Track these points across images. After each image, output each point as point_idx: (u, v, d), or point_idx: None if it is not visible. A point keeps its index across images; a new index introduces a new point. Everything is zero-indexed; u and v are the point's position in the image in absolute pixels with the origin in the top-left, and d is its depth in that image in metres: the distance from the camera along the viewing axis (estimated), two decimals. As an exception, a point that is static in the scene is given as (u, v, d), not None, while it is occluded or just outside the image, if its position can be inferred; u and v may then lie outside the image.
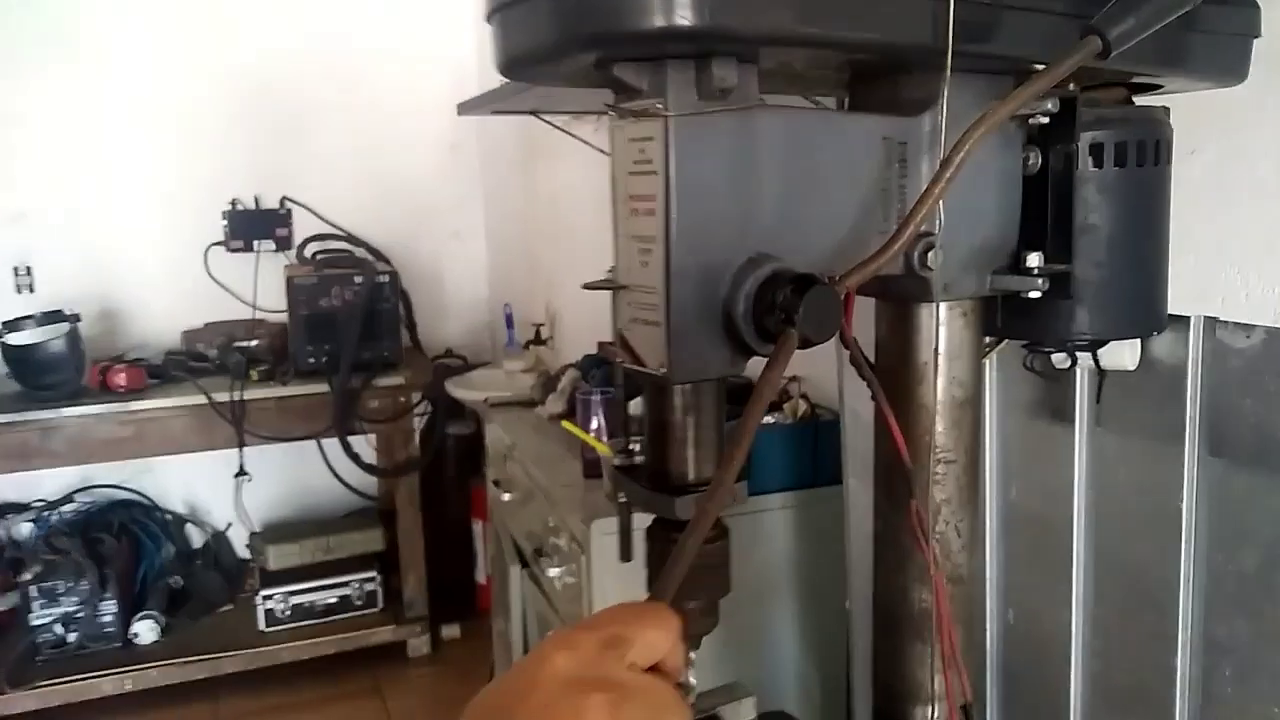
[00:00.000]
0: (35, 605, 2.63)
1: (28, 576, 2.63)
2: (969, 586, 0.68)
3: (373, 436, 2.91)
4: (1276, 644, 0.76)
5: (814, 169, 0.58)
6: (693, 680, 0.56)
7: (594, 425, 1.46)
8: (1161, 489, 0.81)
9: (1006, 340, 0.72)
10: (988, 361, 0.80)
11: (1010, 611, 0.97)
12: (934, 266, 0.61)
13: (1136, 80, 0.69)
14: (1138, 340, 0.76)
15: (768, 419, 1.26)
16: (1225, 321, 0.77)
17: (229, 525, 3.22)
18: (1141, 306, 0.67)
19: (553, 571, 1.39)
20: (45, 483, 3.04)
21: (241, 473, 2.77)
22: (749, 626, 1.22)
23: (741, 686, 0.65)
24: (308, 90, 3.17)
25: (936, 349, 0.63)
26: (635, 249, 0.56)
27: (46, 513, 3.01)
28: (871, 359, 0.68)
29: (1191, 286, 0.76)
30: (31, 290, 2.98)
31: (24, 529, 2.99)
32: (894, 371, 0.67)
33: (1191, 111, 0.69)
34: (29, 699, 2.51)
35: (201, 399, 2.58)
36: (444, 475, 3.00)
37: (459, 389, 2.75)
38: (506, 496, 1.72)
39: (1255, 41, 0.68)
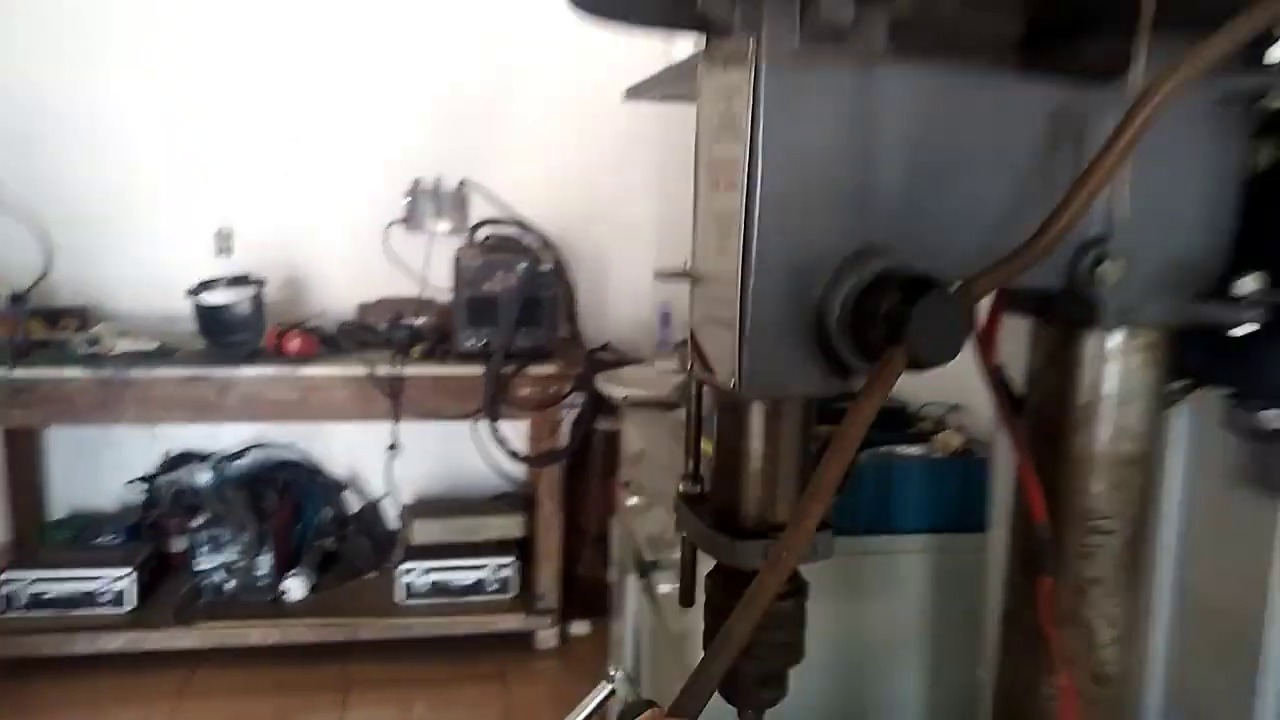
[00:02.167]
0: (201, 551, 2.80)
1: (198, 523, 2.80)
2: (1118, 689, 0.54)
3: (523, 423, 2.92)
4: None
5: (955, 143, 0.46)
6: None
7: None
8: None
9: (1202, 387, 0.57)
10: (1174, 412, 0.64)
11: None
12: (1106, 283, 0.47)
13: None
14: None
15: (912, 449, 1.12)
16: None
17: (385, 495, 3.33)
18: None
19: (663, 588, 1.30)
20: (224, 436, 3.24)
21: (393, 446, 2.84)
22: (867, 683, 1.08)
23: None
24: (489, 79, 3.23)
25: (1101, 389, 0.50)
26: (714, 231, 0.46)
27: (221, 465, 3.20)
28: (1021, 393, 0.55)
29: None
30: (230, 253, 3.18)
31: (203, 477, 3.20)
32: (1046, 412, 0.53)
33: None
34: (190, 637, 2.67)
35: (363, 371, 2.66)
36: (588, 470, 2.97)
37: (606, 384, 2.70)
38: (633, 500, 1.65)
39: None
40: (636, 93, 1.99)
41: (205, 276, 2.76)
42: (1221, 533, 0.72)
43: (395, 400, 2.66)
